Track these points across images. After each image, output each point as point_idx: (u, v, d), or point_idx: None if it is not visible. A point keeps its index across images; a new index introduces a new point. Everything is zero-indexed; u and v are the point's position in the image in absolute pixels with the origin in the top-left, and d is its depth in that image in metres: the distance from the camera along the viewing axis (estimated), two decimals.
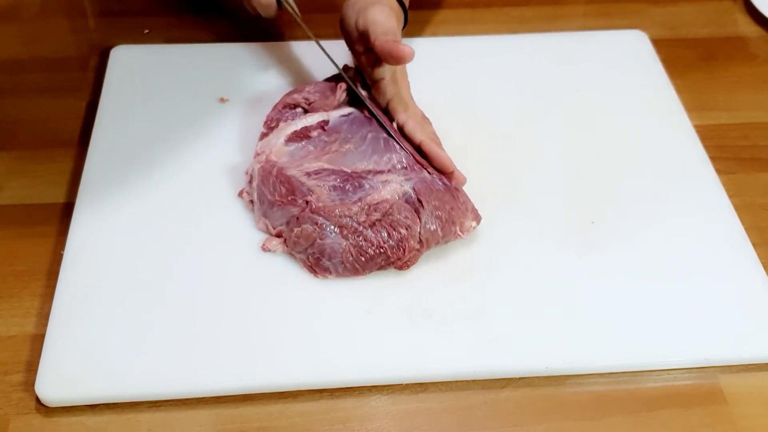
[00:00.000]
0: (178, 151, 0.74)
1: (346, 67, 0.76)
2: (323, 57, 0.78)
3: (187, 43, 0.86)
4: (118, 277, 0.64)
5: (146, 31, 0.89)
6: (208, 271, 0.64)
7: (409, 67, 0.72)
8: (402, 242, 0.63)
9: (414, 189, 0.64)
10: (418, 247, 0.64)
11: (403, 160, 0.67)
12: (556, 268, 0.66)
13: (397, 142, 0.68)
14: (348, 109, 0.72)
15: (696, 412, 0.59)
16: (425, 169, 0.67)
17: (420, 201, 0.64)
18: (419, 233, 0.63)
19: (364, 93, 0.73)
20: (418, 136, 0.69)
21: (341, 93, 0.72)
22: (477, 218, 0.66)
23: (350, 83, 0.73)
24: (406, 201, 0.64)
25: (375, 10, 0.69)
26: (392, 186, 0.65)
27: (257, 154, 0.69)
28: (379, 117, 0.70)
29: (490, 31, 0.89)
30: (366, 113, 0.71)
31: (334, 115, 0.71)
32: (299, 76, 0.81)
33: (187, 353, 0.59)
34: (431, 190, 0.65)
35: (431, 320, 0.62)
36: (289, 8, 0.72)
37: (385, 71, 0.70)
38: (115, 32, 0.88)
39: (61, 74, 0.84)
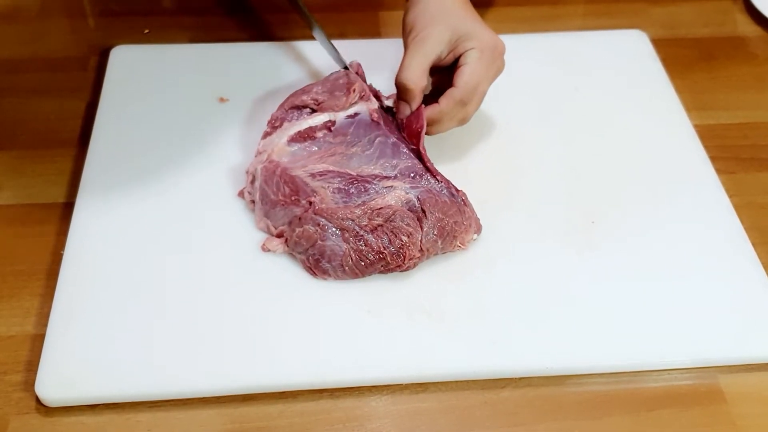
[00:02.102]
0: (177, 151, 0.74)
1: (353, 65, 0.74)
2: (324, 56, 0.78)
3: (187, 43, 0.87)
4: (118, 276, 0.64)
5: (146, 31, 0.89)
6: (207, 271, 0.64)
7: None
8: (402, 249, 0.63)
9: (419, 198, 0.64)
10: (419, 255, 0.63)
11: (411, 167, 0.67)
12: (556, 268, 0.66)
13: (405, 147, 0.68)
14: (354, 109, 0.71)
15: (695, 411, 0.59)
16: (434, 176, 0.66)
17: (424, 211, 0.64)
18: (420, 242, 0.63)
19: (374, 89, 0.72)
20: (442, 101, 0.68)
21: (354, 95, 0.71)
22: (478, 229, 0.66)
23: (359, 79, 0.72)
24: (410, 209, 0.64)
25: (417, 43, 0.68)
26: (397, 192, 0.64)
27: (258, 153, 0.69)
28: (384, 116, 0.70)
29: None
30: (373, 115, 0.70)
31: (340, 116, 0.70)
32: (300, 76, 0.81)
33: (187, 353, 0.59)
34: (436, 201, 0.64)
35: (431, 320, 0.62)
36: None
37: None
38: (115, 32, 0.88)
39: (61, 74, 0.84)
